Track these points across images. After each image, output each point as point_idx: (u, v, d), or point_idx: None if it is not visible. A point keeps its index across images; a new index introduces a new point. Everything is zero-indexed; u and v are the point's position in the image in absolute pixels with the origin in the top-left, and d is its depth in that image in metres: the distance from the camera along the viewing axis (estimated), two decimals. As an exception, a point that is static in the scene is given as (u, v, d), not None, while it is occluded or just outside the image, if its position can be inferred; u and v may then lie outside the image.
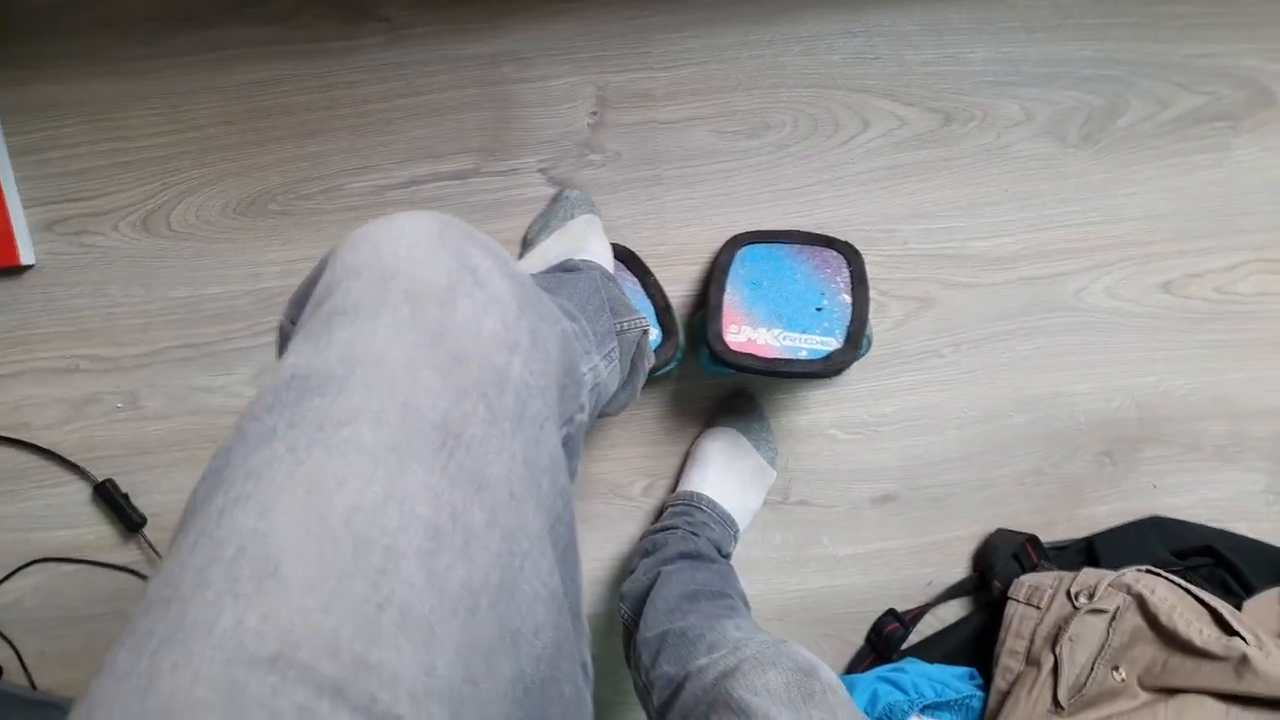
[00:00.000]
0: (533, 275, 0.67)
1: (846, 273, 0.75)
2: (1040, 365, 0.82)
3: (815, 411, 0.82)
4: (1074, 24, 0.77)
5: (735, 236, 0.77)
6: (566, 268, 0.68)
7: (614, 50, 0.76)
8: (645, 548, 0.76)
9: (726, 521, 0.78)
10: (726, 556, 0.77)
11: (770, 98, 0.77)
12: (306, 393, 0.29)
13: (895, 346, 0.81)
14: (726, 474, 0.80)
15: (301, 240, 0.79)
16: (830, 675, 0.51)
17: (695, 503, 0.78)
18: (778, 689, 0.49)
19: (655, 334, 0.74)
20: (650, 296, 0.76)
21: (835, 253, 0.75)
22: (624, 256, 0.78)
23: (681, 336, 0.77)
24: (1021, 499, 0.84)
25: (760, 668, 0.51)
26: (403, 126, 0.78)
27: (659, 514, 0.82)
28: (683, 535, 0.75)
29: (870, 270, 0.79)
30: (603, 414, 0.67)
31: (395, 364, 0.30)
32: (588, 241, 0.74)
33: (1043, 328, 0.81)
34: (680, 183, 0.79)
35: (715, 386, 0.83)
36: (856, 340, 0.72)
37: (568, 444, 0.44)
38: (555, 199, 0.79)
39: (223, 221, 0.79)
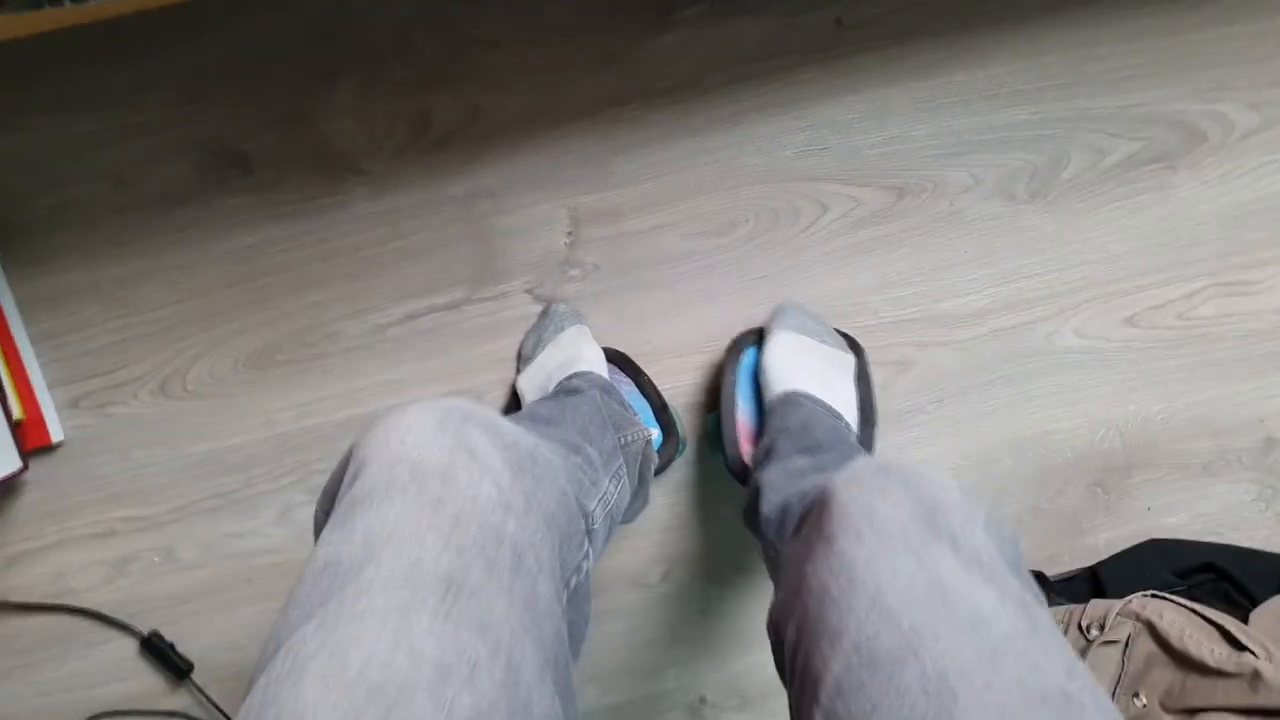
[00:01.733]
0: (537, 403, 0.72)
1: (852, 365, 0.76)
2: (1023, 409, 0.86)
3: (815, 481, 0.86)
4: (1008, 91, 0.81)
5: (736, 340, 0.78)
6: (568, 389, 0.72)
7: (580, 174, 0.81)
8: (757, 459, 0.66)
9: (835, 414, 0.67)
10: (855, 444, 0.66)
11: (731, 198, 0.82)
12: (336, 577, 0.35)
13: (882, 410, 0.85)
14: (801, 369, 0.70)
15: (310, 384, 0.84)
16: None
17: (792, 399, 0.67)
18: (888, 524, 0.39)
19: (655, 434, 0.78)
20: (646, 396, 0.80)
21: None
22: (616, 360, 0.82)
23: (681, 430, 0.81)
24: (1023, 537, 0.87)
25: (862, 491, 0.41)
26: (394, 268, 0.82)
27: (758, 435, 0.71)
28: (795, 433, 0.64)
29: (848, 342, 0.83)
30: (620, 525, 0.71)
31: (403, 535, 0.36)
32: (580, 350, 0.79)
33: (1020, 374, 0.85)
34: (658, 285, 0.84)
35: (718, 469, 0.86)
36: (869, 441, 0.72)
37: (578, 592, 0.48)
38: (544, 314, 0.83)
39: (235, 377, 0.84)
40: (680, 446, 0.80)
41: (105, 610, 0.87)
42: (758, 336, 0.79)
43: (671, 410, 0.79)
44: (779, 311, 0.78)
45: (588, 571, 0.49)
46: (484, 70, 0.80)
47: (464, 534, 0.37)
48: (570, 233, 0.82)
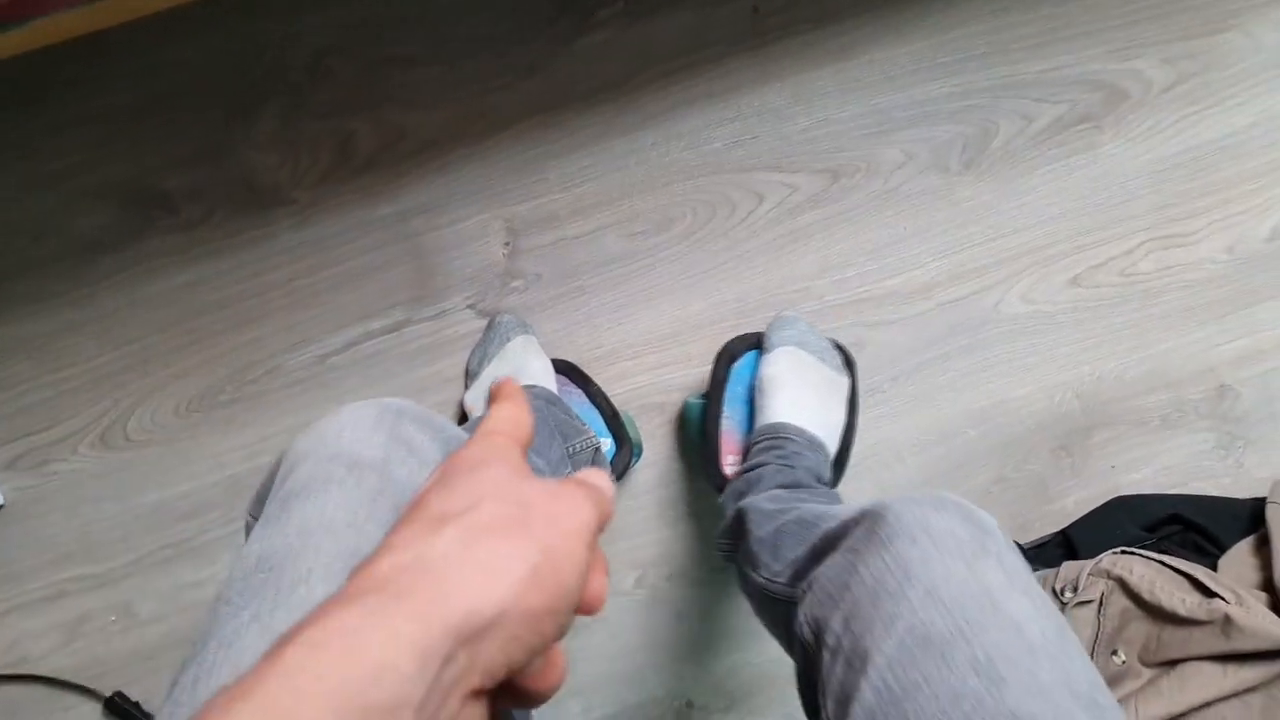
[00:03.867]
0: (476, 419, 0.71)
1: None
2: (979, 379, 0.86)
3: (779, 471, 0.85)
4: (929, 65, 0.82)
5: (727, 345, 0.76)
6: None
7: (513, 183, 0.81)
8: (738, 489, 0.67)
9: (817, 446, 0.69)
10: (826, 484, 0.69)
11: (667, 194, 0.82)
12: (270, 570, 0.34)
13: (839, 393, 0.85)
14: (800, 395, 0.72)
15: (256, 423, 0.82)
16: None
17: (780, 433, 0.69)
18: (942, 534, 0.40)
19: (608, 444, 0.77)
20: (596, 405, 0.79)
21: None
22: (565, 370, 0.81)
23: (635, 436, 0.80)
24: (992, 507, 0.87)
25: (918, 505, 0.42)
26: (330, 296, 0.81)
27: (745, 453, 0.72)
28: (776, 469, 0.66)
29: (798, 328, 0.83)
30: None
31: (340, 523, 0.35)
32: (527, 362, 0.78)
33: (972, 344, 0.85)
34: (602, 288, 0.83)
35: (682, 469, 0.85)
36: (841, 463, 0.72)
37: None
38: (489, 327, 0.82)
39: (177, 422, 0.81)
40: (636, 452, 0.78)
41: (65, 675, 0.84)
42: (755, 342, 0.76)
43: (623, 417, 0.78)
44: (781, 322, 0.76)
45: None
46: (405, 89, 0.80)
47: None
48: (508, 243, 0.82)
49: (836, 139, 0.82)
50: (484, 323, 0.82)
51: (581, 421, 0.74)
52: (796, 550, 0.52)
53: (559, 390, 0.78)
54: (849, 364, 0.78)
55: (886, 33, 0.81)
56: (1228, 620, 0.75)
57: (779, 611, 0.52)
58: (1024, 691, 0.32)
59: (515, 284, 0.82)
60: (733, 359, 0.77)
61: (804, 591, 0.46)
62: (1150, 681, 0.79)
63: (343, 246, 0.80)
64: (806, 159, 0.82)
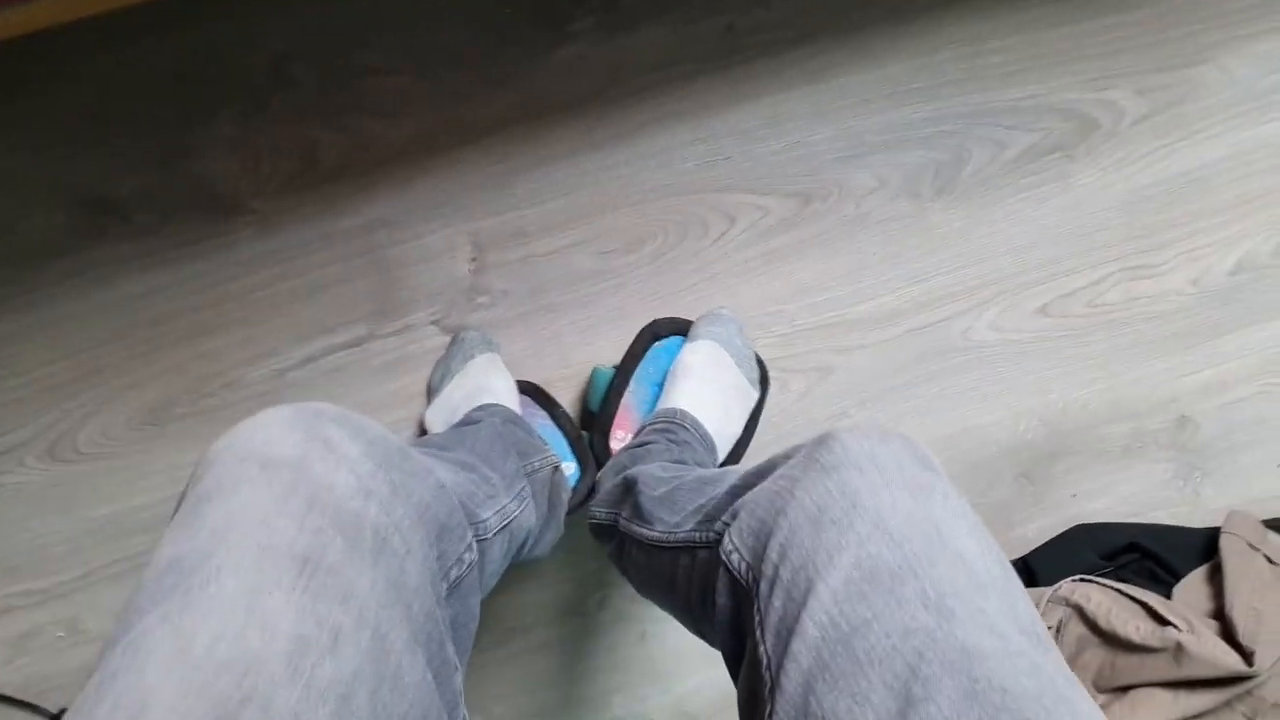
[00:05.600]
0: (432, 436, 0.69)
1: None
2: (945, 406, 0.86)
3: (745, 493, 0.85)
4: (904, 90, 0.81)
5: (653, 323, 0.77)
6: (468, 420, 0.70)
7: (480, 198, 0.79)
8: (621, 463, 0.67)
9: (709, 445, 0.70)
10: None
11: (638, 213, 0.80)
12: (182, 572, 0.32)
13: (806, 416, 0.85)
14: (707, 390, 0.73)
15: (212, 437, 0.79)
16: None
17: (676, 419, 0.70)
18: (889, 466, 0.40)
19: (572, 467, 0.76)
20: (561, 428, 0.78)
21: None
22: (530, 391, 0.80)
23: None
24: (955, 532, 0.87)
25: (865, 437, 0.41)
26: (290, 308, 0.79)
27: (637, 434, 0.73)
28: (665, 447, 0.67)
29: (768, 351, 0.83)
30: (534, 556, 0.68)
31: (252, 521, 0.34)
32: (489, 380, 0.76)
33: (940, 371, 0.85)
34: (571, 307, 0.82)
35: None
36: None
37: (461, 585, 0.46)
38: (453, 343, 0.81)
39: (131, 435, 0.79)
40: (601, 473, 0.78)
41: (9, 691, 0.82)
42: (682, 329, 0.78)
43: (587, 440, 0.77)
44: (713, 317, 0.78)
45: (472, 564, 0.46)
46: (371, 98, 0.78)
47: (319, 517, 0.35)
48: (474, 259, 0.80)
49: (809, 162, 0.81)
50: (448, 339, 0.81)
51: (543, 441, 0.72)
52: (699, 500, 0.50)
53: (523, 411, 0.76)
54: (764, 381, 0.79)
55: (861, 56, 0.80)
56: (1179, 648, 0.76)
57: (680, 563, 0.49)
58: (973, 625, 0.32)
59: (481, 300, 0.81)
60: (655, 338, 0.78)
61: (726, 524, 0.44)
62: (1103, 707, 0.80)
63: (304, 258, 0.78)
64: (779, 181, 0.81)
